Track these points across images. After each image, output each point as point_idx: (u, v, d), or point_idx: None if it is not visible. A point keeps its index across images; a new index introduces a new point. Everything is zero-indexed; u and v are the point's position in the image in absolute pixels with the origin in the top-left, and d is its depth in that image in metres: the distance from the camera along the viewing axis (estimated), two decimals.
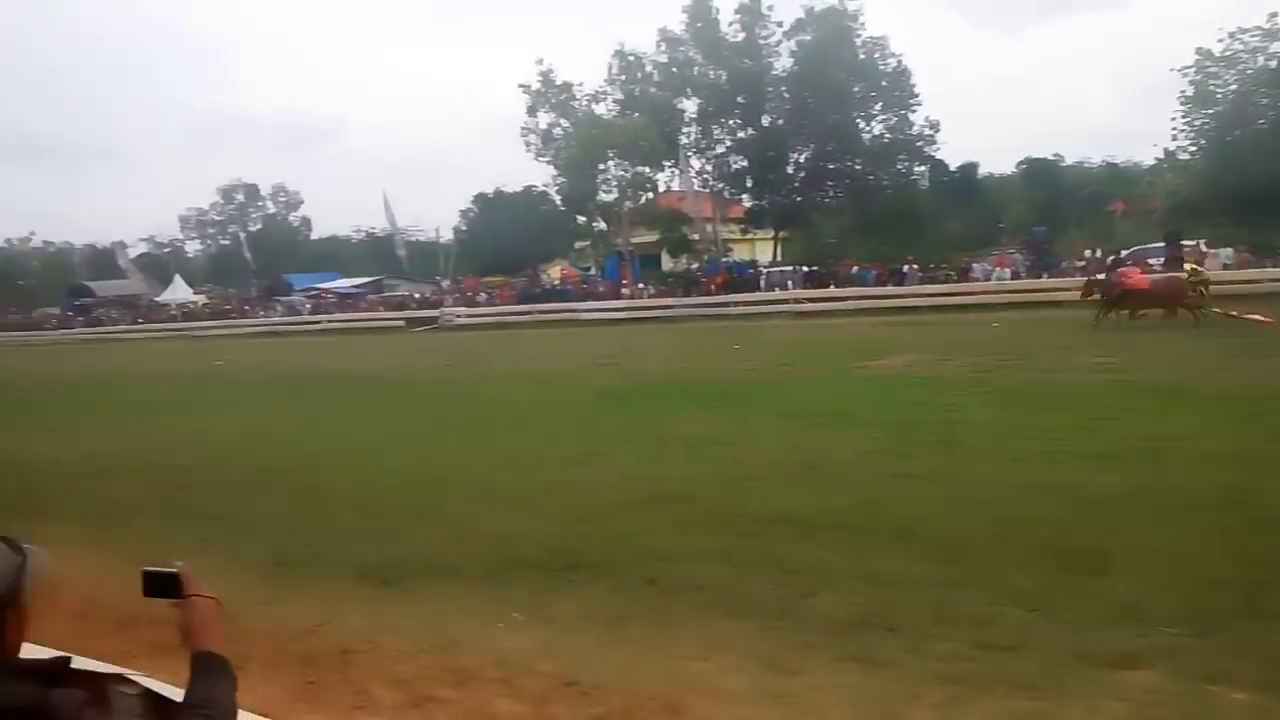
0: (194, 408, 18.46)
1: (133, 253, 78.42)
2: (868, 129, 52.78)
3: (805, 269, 45.13)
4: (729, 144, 53.68)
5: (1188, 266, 25.20)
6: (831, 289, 40.94)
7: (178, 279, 64.92)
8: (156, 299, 64.08)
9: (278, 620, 6.40)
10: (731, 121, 53.14)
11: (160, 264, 75.19)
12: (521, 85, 54.78)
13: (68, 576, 7.68)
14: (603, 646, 5.91)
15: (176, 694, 2.04)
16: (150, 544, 8.22)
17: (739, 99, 51.58)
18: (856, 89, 51.05)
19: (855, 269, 43.17)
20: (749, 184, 54.64)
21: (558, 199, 59.74)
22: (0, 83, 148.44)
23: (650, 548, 7.61)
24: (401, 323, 45.50)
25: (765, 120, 52.74)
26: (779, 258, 53.43)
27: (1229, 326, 20.61)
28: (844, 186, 53.62)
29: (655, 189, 54.99)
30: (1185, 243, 32.10)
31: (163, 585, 1.93)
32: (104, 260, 77.46)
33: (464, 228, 73.63)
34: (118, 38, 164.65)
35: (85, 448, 13.93)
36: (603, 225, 55.51)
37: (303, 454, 12.46)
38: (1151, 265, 28.60)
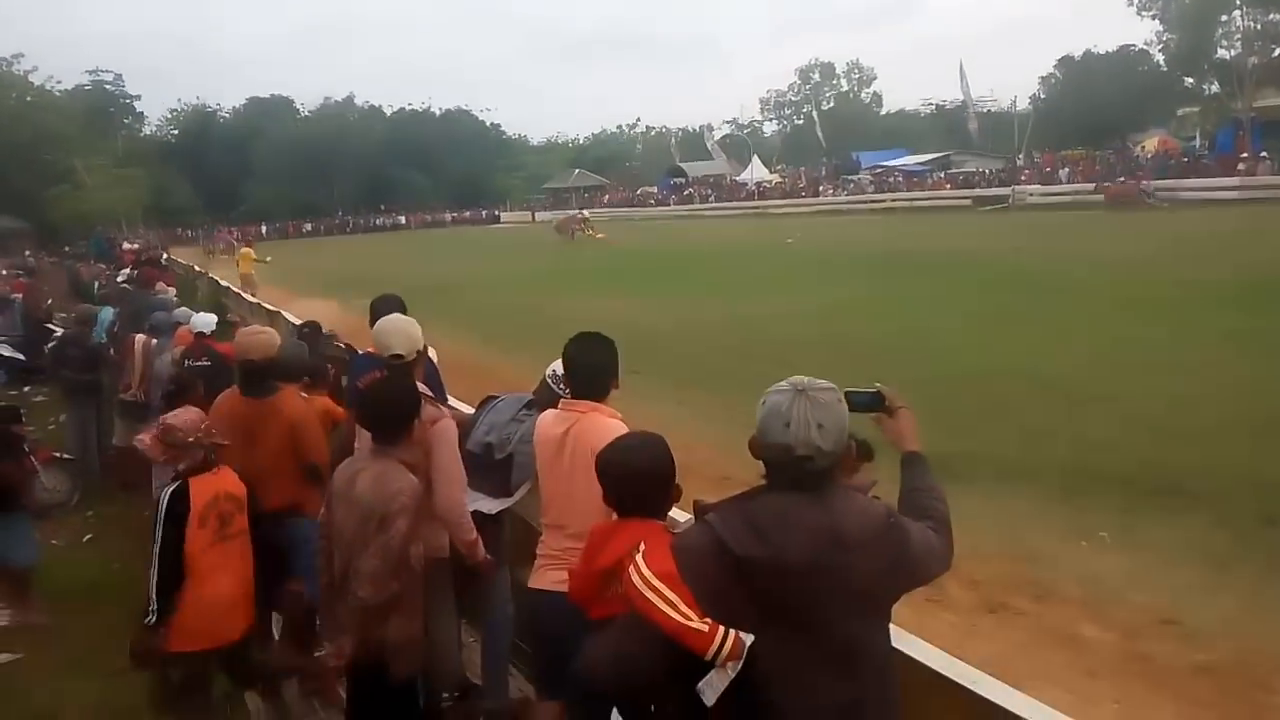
0: (765, 285, 19.79)
1: (717, 135, 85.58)
2: None
3: None
4: None
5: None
6: None
7: (755, 159, 69.00)
8: (737, 178, 69.27)
9: None
10: None
11: (740, 145, 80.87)
12: None
13: (666, 429, 8.83)
14: (1207, 587, 5.24)
15: None
16: (727, 407, 8.99)
17: None
18: None
19: None
20: None
21: (1160, 59, 52.16)
22: None
23: (1271, 481, 6.50)
24: (969, 201, 43.69)
25: None
26: None
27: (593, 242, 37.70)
28: None
29: None
30: None
31: (865, 403, 2.35)
32: (694, 142, 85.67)
33: (1043, 96, 67.95)
34: None
35: (679, 315, 15.73)
36: (1216, 88, 47.19)
37: (865, 335, 12.71)
38: None
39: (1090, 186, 40.58)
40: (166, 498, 3.76)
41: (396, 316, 4.21)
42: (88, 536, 7.99)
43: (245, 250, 25.82)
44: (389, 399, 3.47)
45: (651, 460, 2.59)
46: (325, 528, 3.52)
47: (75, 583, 6.66)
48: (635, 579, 2.01)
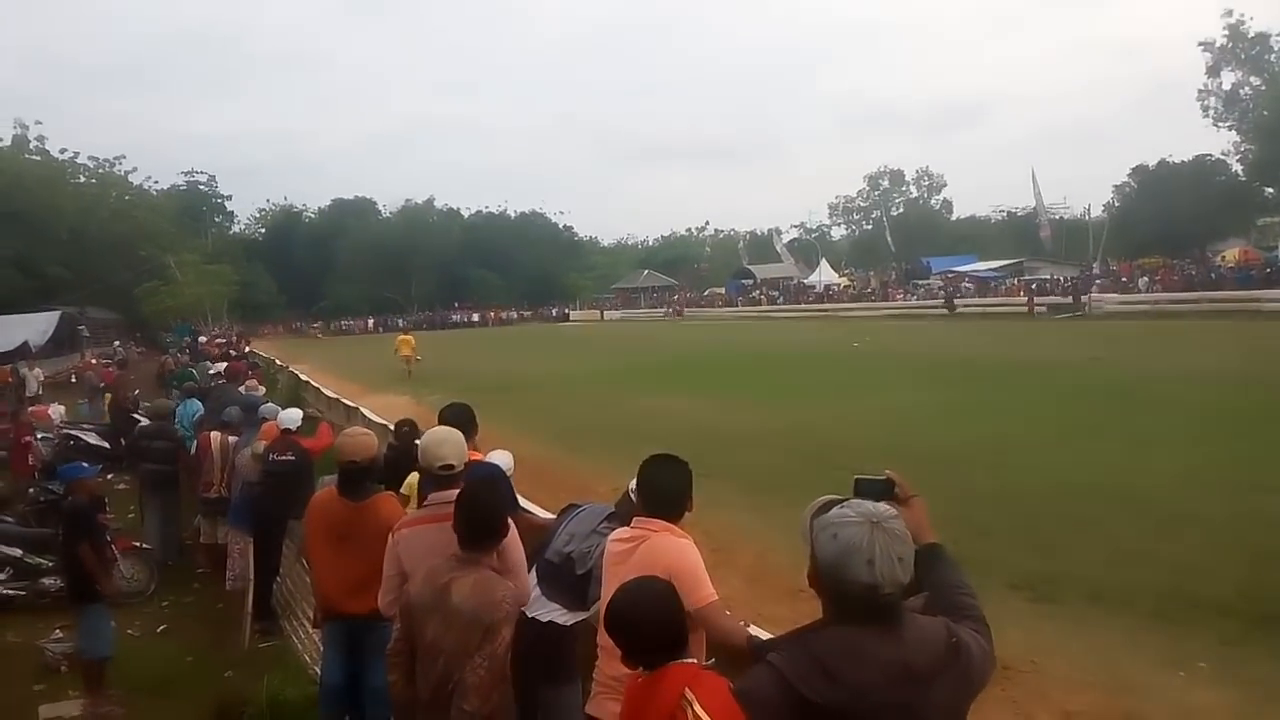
0: (836, 388, 19.56)
1: (785, 238, 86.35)
2: None
3: None
4: None
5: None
6: None
7: (823, 263, 69.34)
8: (804, 281, 69.52)
9: None
10: None
11: (808, 248, 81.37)
12: (1202, 43, 48.29)
13: (738, 537, 8.68)
14: None
15: None
16: (798, 511, 8.78)
17: None
18: None
19: None
20: None
21: (1239, 169, 51.58)
22: (679, 96, 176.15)
23: None
24: (1042, 308, 43.06)
25: None
26: None
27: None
28: None
29: None
30: None
31: (876, 492, 2.27)
32: (762, 245, 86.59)
33: (1117, 204, 67.41)
34: (775, 37, 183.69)
35: (747, 418, 15.64)
36: None
37: (940, 443, 12.36)
38: None
39: (1168, 295, 40.05)
40: None
41: (442, 428, 4.32)
42: (162, 627, 8.09)
43: (405, 337, 31.14)
44: (489, 508, 3.50)
45: (664, 599, 2.53)
46: (404, 642, 3.48)
47: (149, 675, 6.72)
48: None
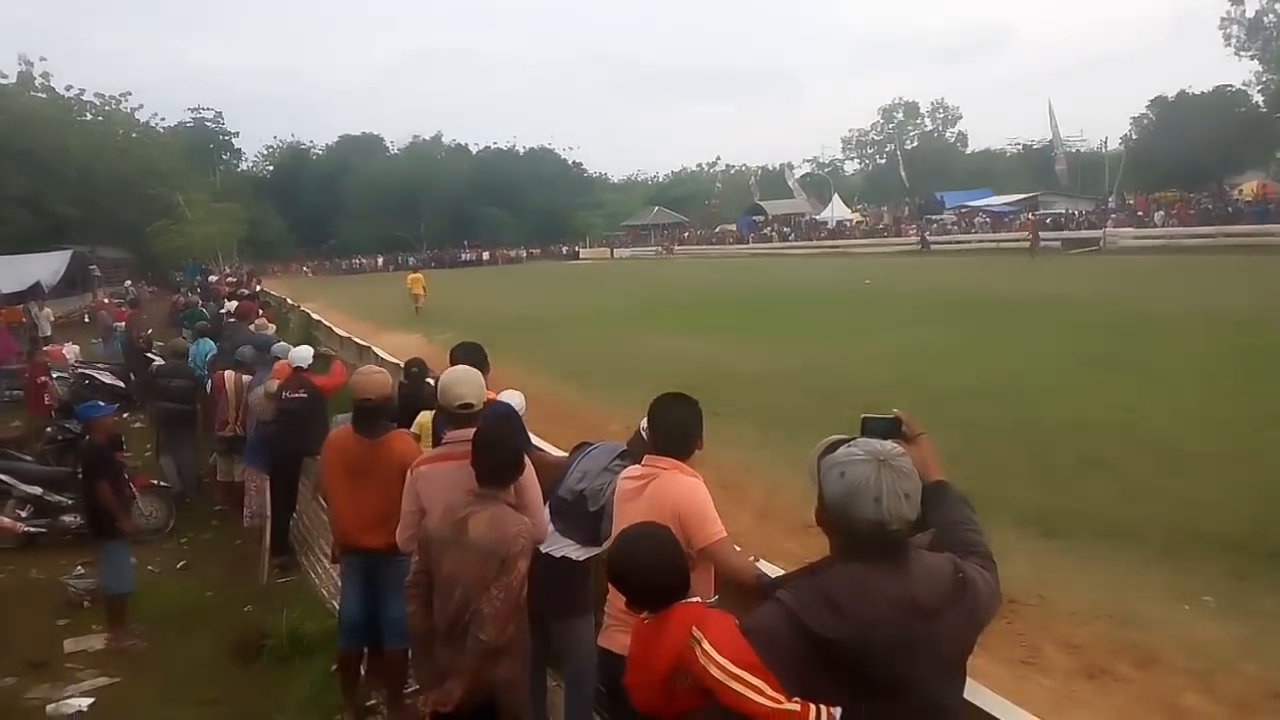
0: (845, 326, 19.48)
1: (797, 173, 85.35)
2: None
3: None
4: None
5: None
6: None
7: (836, 198, 68.55)
8: (816, 217, 68.89)
9: None
10: None
11: (821, 183, 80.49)
12: None
13: (749, 474, 8.74)
14: None
15: None
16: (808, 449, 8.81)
17: None
18: None
19: None
20: None
21: (1259, 100, 50.50)
22: (688, 25, 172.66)
23: None
24: (1057, 244, 42.61)
25: None
26: None
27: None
28: None
29: None
30: None
31: (882, 429, 2.27)
32: (774, 181, 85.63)
33: (1134, 137, 66.32)
34: None
35: (758, 356, 15.63)
36: None
37: (950, 381, 12.38)
38: None
39: (1184, 230, 39.55)
40: None
41: (461, 368, 4.34)
42: (182, 563, 8.23)
43: (416, 276, 31.45)
44: (505, 445, 3.54)
45: (663, 546, 2.53)
46: (423, 574, 3.54)
47: (170, 609, 6.86)
48: (717, 673, 1.96)
